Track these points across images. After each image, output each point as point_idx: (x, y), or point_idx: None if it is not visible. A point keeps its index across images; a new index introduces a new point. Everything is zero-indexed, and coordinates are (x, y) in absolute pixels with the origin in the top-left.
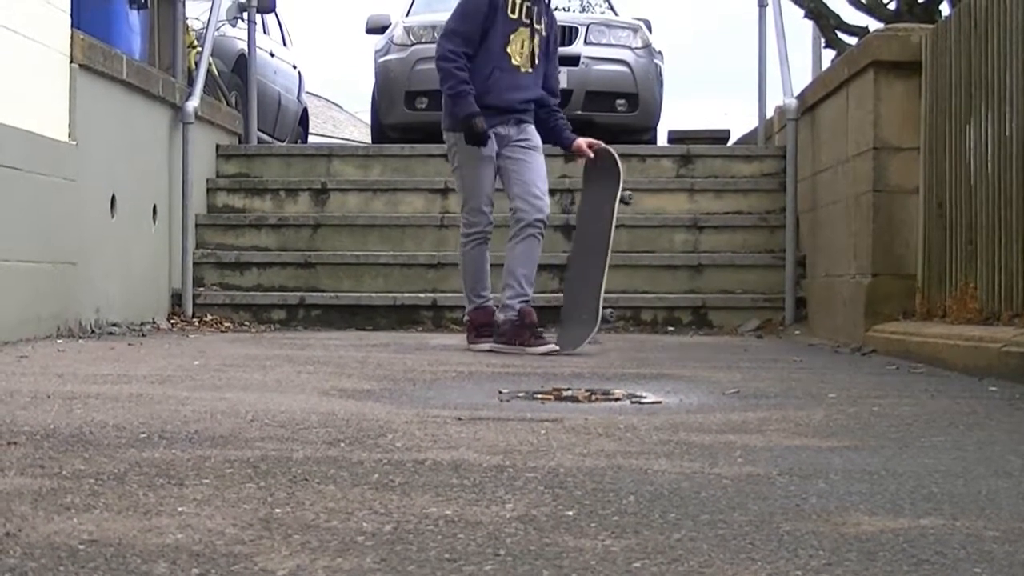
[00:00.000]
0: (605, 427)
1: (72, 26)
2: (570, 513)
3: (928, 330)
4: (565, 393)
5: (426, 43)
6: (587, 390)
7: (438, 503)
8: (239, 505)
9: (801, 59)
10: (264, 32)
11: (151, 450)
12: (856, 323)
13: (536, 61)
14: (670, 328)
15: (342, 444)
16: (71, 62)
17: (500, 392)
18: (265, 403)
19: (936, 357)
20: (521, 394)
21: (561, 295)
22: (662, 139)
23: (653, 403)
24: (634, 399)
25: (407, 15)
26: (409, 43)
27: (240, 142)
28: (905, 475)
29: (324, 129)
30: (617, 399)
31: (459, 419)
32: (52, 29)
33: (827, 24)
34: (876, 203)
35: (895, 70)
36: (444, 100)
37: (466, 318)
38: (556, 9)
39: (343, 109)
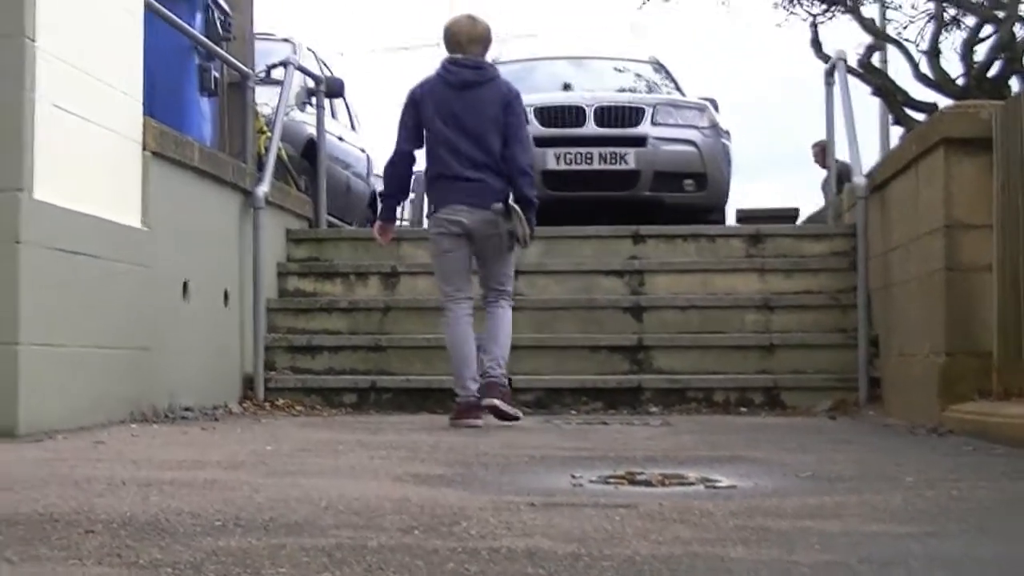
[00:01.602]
0: (680, 513)
1: (144, 114)
2: None
3: (1006, 410)
4: (639, 477)
5: None
6: (661, 474)
7: None
8: None
9: (869, 136)
10: (332, 116)
11: (227, 538)
12: (931, 403)
13: None
14: (742, 409)
15: (416, 532)
16: (144, 149)
17: (573, 476)
18: (339, 489)
19: (1015, 438)
20: (594, 478)
21: (632, 376)
22: (731, 219)
23: (728, 487)
24: (708, 483)
25: None
26: None
27: (310, 226)
28: (987, 562)
29: None
30: (691, 483)
31: (533, 505)
32: (125, 118)
33: (895, 101)
34: (949, 281)
35: (965, 147)
36: (497, 184)
37: (497, 392)
38: (622, 91)
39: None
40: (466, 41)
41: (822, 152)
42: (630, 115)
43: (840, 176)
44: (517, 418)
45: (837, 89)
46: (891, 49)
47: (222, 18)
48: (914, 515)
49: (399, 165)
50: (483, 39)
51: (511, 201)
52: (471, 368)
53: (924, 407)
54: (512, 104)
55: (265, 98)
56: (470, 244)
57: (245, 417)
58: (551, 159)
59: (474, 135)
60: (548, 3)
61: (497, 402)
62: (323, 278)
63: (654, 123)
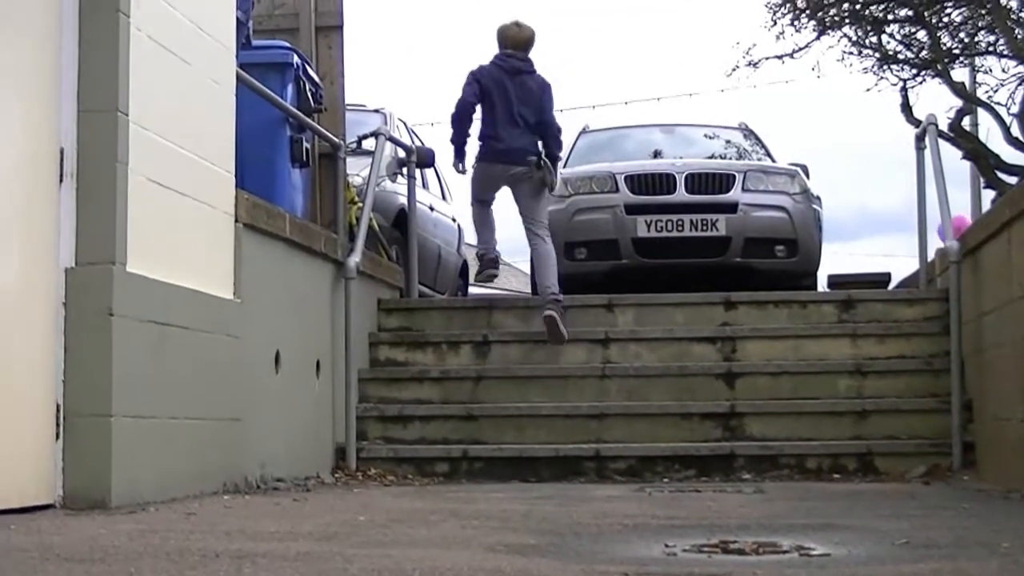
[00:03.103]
0: None
1: (236, 185)
2: None
3: None
4: (732, 545)
5: (584, 194)
6: (754, 542)
7: None
8: None
9: (961, 199)
10: (424, 186)
11: None
12: None
13: None
14: (836, 475)
15: None
16: (236, 221)
17: (666, 545)
18: (431, 560)
19: None
20: (688, 547)
21: (724, 443)
22: (822, 284)
23: (822, 555)
24: (802, 551)
25: (564, 166)
26: (567, 194)
27: (401, 296)
28: None
29: None
30: (785, 551)
31: (626, 575)
32: (217, 190)
33: (986, 164)
34: None
35: None
36: (531, 146)
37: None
38: (712, 157)
39: (502, 260)
40: (512, 44)
41: None
42: (720, 181)
43: None
44: (561, 340)
45: (928, 153)
46: (982, 112)
47: (313, 90)
48: None
49: (464, 114)
50: (527, 42)
51: (544, 157)
52: (490, 233)
53: (1019, 472)
54: (548, 89)
55: (357, 168)
56: (503, 187)
57: (337, 487)
58: (641, 226)
59: (519, 109)
60: (639, 71)
61: (554, 313)
62: (415, 347)
63: (744, 189)
